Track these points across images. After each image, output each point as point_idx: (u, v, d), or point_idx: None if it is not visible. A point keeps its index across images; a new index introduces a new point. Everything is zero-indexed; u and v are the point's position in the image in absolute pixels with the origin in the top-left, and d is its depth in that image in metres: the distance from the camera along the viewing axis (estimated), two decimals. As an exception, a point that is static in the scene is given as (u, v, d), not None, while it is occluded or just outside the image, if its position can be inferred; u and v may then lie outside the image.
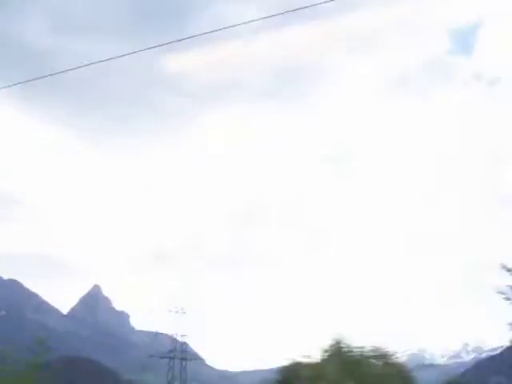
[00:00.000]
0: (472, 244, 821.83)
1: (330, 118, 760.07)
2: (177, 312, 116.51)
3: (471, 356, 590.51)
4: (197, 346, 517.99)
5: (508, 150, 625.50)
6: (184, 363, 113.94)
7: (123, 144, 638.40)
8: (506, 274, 23.31)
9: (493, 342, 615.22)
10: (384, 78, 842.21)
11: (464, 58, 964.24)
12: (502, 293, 23.07)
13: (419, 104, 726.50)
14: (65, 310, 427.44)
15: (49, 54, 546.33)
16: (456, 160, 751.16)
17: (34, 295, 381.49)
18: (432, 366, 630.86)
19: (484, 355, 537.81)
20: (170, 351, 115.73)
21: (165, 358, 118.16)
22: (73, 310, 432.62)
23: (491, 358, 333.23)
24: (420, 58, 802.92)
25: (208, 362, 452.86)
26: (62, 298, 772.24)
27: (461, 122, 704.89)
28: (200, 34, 15.21)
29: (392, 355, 37.99)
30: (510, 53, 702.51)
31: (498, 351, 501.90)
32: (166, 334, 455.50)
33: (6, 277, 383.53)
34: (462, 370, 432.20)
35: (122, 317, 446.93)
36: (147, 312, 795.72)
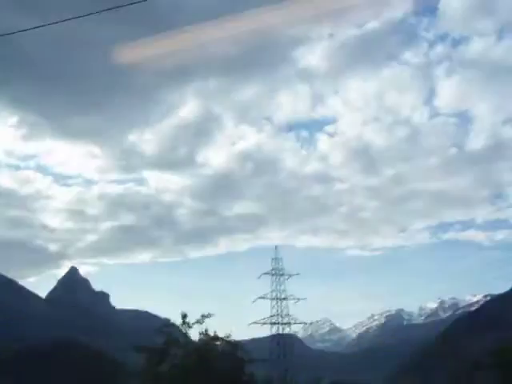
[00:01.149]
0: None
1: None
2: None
3: (448, 313, 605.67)
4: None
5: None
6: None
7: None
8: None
9: (467, 298, 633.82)
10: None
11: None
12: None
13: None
14: (43, 295, 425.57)
15: None
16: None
17: (10, 281, 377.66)
18: (411, 326, 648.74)
19: (460, 311, 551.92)
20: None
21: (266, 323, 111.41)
22: (51, 293, 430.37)
23: (469, 315, 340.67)
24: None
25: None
26: (40, 282, 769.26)
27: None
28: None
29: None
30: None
31: (474, 307, 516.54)
32: (147, 312, 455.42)
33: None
34: (440, 328, 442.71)
35: (102, 297, 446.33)
36: (127, 291, 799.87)
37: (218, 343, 45.88)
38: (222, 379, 41.86)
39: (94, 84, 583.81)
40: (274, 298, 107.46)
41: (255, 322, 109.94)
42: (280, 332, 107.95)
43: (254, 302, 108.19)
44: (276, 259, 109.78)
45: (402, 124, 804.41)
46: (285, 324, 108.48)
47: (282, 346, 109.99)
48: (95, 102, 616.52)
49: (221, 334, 44.63)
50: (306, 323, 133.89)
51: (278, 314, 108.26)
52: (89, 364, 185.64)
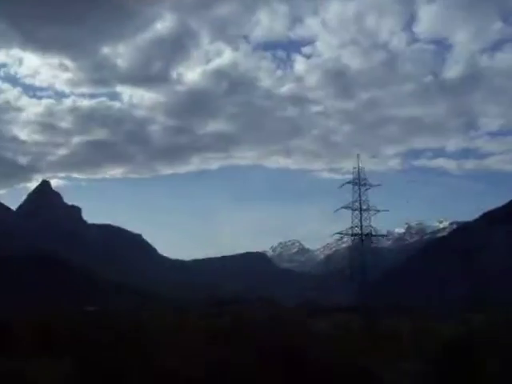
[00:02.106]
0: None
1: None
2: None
3: (415, 238, 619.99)
4: (150, 238, 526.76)
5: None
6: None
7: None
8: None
9: (434, 224, 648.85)
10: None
11: None
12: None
13: None
14: (14, 207, 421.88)
15: None
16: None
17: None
18: (378, 248, 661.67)
19: (427, 237, 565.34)
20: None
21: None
22: (22, 206, 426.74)
23: (438, 241, 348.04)
24: None
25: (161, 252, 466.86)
26: (9, 195, 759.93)
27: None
28: None
29: None
30: None
31: (440, 234, 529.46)
32: (118, 227, 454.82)
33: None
34: (407, 253, 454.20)
35: (74, 211, 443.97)
36: (98, 205, 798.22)
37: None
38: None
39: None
40: (355, 209, 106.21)
41: (339, 233, 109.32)
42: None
43: (336, 211, 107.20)
44: (358, 168, 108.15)
45: (380, 48, 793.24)
46: (366, 236, 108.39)
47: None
48: (68, 12, 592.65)
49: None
50: (386, 235, 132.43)
51: (360, 226, 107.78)
52: (63, 276, 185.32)
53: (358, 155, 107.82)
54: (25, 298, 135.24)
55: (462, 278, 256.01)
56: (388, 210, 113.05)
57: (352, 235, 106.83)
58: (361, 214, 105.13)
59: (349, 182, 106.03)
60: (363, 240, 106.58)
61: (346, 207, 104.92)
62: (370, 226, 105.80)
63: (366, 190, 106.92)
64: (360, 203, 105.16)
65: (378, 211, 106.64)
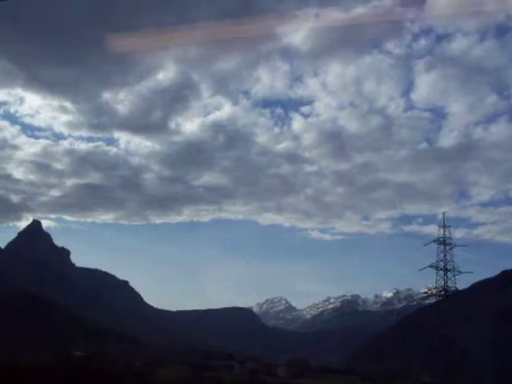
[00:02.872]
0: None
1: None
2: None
3: (403, 304, 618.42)
4: (137, 285, 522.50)
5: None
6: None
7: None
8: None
9: (422, 290, 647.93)
10: None
11: None
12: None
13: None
14: (2, 245, 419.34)
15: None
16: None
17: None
18: (365, 312, 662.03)
19: (414, 303, 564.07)
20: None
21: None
22: (11, 244, 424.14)
23: (425, 308, 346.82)
24: None
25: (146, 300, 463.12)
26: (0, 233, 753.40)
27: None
28: None
29: None
30: None
31: (427, 301, 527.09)
32: (106, 272, 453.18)
33: None
34: (393, 316, 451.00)
35: (63, 253, 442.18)
36: (86, 249, 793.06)
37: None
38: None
39: (71, 37, 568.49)
40: (440, 269, 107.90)
41: (426, 293, 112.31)
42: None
43: (421, 270, 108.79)
44: (444, 226, 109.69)
45: (377, 113, 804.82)
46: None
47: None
48: (72, 55, 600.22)
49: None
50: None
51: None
52: (48, 317, 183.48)
53: (443, 214, 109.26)
54: (10, 337, 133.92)
55: (444, 346, 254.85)
56: (472, 272, 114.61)
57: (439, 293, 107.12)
58: (445, 272, 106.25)
59: (434, 241, 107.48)
60: (448, 297, 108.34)
61: (431, 266, 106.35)
62: (455, 286, 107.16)
63: (451, 249, 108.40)
64: (445, 262, 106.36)
65: (460, 272, 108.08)
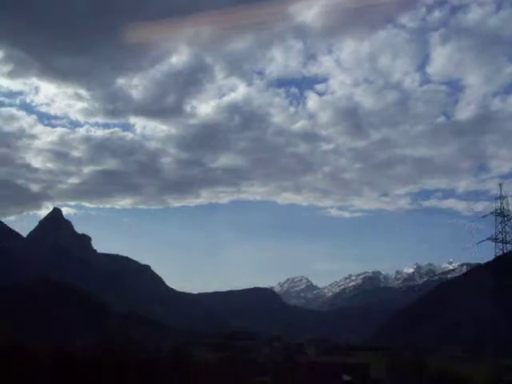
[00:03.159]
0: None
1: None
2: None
3: (424, 279, 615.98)
4: (158, 269, 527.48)
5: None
6: None
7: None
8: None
9: (444, 265, 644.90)
10: None
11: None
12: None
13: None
14: (24, 233, 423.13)
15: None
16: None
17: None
18: (387, 288, 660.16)
19: (436, 278, 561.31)
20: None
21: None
22: (33, 233, 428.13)
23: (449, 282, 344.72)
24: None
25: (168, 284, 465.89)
26: (20, 221, 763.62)
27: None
28: None
29: None
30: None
31: (449, 275, 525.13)
32: (126, 257, 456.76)
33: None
34: (415, 292, 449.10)
35: (84, 240, 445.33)
36: (107, 235, 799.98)
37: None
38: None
39: (84, 25, 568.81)
40: (500, 241, 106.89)
41: None
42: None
43: (479, 243, 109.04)
44: (501, 198, 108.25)
45: (393, 88, 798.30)
46: None
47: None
48: (85, 42, 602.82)
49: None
50: None
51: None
52: (74, 304, 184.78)
53: (500, 185, 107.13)
54: (37, 324, 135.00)
55: (472, 321, 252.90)
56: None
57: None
58: (503, 245, 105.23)
59: (492, 213, 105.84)
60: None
61: (489, 239, 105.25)
62: None
63: (509, 220, 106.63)
64: (504, 234, 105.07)
65: None
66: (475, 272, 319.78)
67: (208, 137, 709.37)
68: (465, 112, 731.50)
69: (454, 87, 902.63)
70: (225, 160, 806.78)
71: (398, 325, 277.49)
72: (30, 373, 42.81)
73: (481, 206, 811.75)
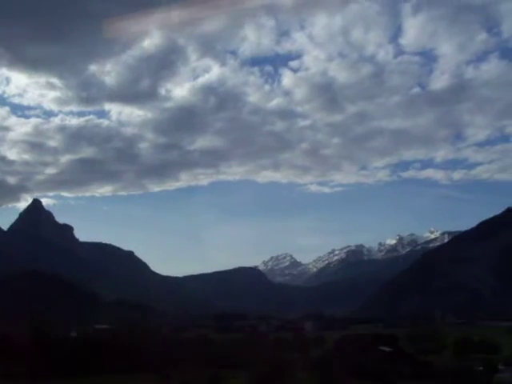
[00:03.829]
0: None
1: None
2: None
3: (407, 249, 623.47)
4: (142, 255, 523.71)
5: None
6: None
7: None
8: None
9: (425, 234, 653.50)
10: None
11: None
12: None
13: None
14: (5, 227, 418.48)
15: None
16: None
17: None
18: (371, 261, 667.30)
19: (418, 248, 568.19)
20: None
21: None
22: (14, 226, 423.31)
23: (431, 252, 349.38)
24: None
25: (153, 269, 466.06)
26: (0, 215, 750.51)
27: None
28: None
29: None
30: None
31: (431, 244, 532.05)
32: (109, 244, 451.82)
33: None
34: (399, 263, 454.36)
35: (66, 230, 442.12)
36: (88, 224, 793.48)
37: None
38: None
39: (53, 13, 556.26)
40: None
41: None
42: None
43: None
44: None
45: (367, 61, 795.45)
46: None
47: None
48: (54, 31, 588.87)
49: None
50: None
51: None
52: (62, 293, 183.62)
53: None
54: (24, 316, 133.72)
55: (452, 288, 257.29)
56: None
57: None
58: None
59: None
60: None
61: None
62: None
63: None
64: None
65: None
66: (457, 240, 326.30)
67: (184, 119, 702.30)
68: (439, 82, 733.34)
69: (428, 57, 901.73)
70: (202, 142, 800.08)
71: (384, 296, 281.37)
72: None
73: (458, 175, 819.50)
